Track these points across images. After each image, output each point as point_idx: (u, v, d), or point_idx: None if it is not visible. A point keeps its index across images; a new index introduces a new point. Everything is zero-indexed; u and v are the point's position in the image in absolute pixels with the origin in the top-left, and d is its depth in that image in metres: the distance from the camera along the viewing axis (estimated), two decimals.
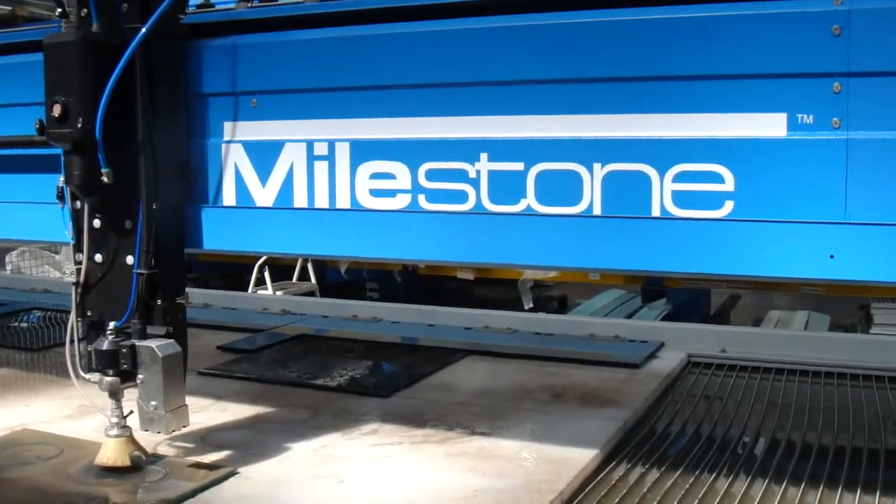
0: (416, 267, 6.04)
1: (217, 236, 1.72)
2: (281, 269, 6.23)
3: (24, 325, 3.33)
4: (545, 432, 2.04)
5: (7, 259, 6.69)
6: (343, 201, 1.60)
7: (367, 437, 2.02)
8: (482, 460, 1.87)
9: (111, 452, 1.77)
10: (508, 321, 3.09)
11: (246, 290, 5.63)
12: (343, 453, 1.93)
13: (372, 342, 2.94)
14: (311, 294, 5.69)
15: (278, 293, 5.40)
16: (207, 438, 2.02)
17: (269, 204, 1.66)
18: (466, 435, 2.02)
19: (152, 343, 1.70)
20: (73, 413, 2.13)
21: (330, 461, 1.88)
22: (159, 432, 1.73)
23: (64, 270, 1.71)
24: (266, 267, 5.85)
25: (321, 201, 1.62)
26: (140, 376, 1.71)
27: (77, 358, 1.78)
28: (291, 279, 6.16)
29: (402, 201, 1.56)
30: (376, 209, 1.58)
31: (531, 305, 6.19)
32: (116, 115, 1.64)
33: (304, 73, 1.62)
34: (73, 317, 1.78)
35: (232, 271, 6.43)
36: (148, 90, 1.67)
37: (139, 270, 1.69)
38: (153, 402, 1.70)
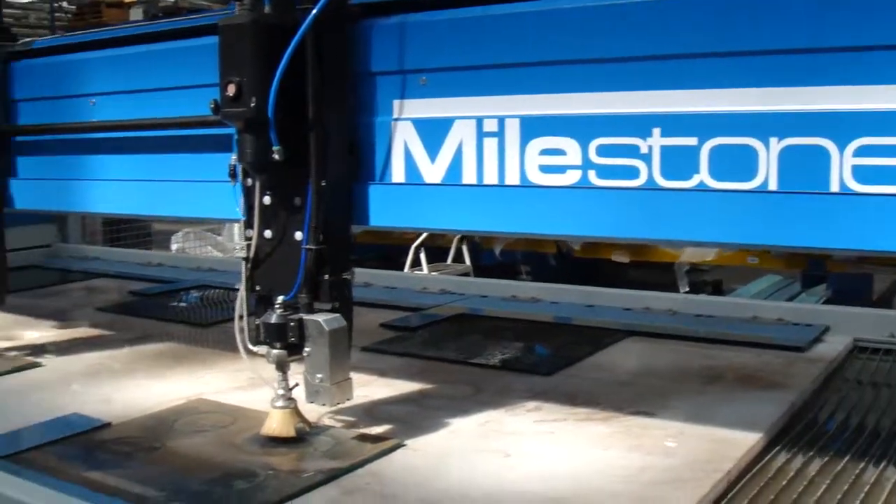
0: (571, 249, 6.00)
1: (384, 213, 1.73)
2: (436, 251, 6.28)
3: (190, 302, 3.46)
4: (707, 413, 1.99)
5: (172, 240, 6.98)
6: (512, 178, 1.58)
7: (531, 414, 2.02)
8: (645, 438, 1.85)
9: (277, 423, 1.81)
10: (669, 303, 3.02)
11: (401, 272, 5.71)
12: (508, 429, 1.93)
13: (531, 322, 2.92)
14: (465, 276, 5.71)
15: (433, 275, 5.43)
16: (373, 412, 2.05)
17: (438, 181, 1.66)
18: (629, 414, 1.99)
19: (319, 317, 1.73)
20: (243, 385, 2.20)
21: (495, 436, 1.89)
22: (324, 404, 1.77)
23: (234, 247, 1.76)
24: (422, 249, 5.91)
25: (490, 178, 1.60)
26: (306, 349, 1.74)
27: (245, 331, 1.82)
28: (446, 261, 6.20)
29: (572, 177, 1.53)
30: (546, 185, 1.55)
31: (687, 289, 6.07)
32: (287, 94, 1.67)
33: (474, 49, 1.61)
34: (242, 291, 1.82)
35: (387, 254, 6.51)
36: (318, 70, 1.69)
37: (308, 246, 1.72)
38: (319, 375, 1.73)
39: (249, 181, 1.79)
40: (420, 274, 4.25)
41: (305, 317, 1.74)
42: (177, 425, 2.00)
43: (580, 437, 1.87)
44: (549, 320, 2.94)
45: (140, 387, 2.33)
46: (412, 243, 6.05)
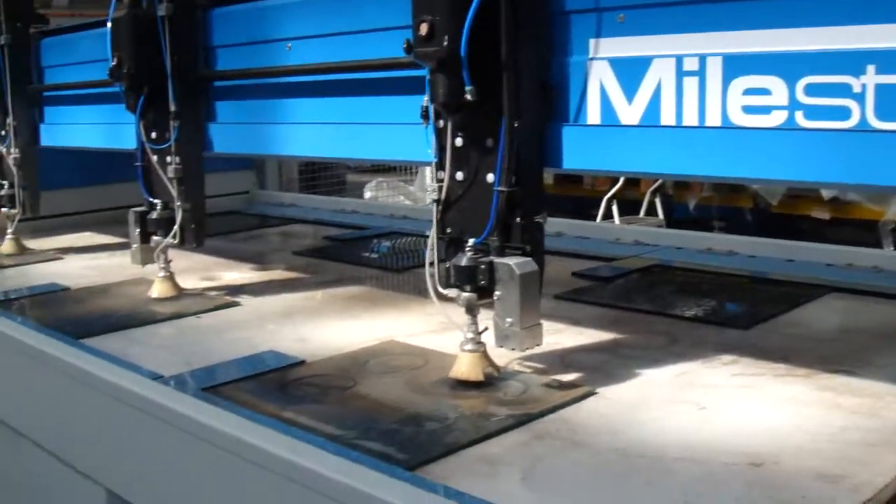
0: (768, 204, 5.77)
1: (578, 155, 1.68)
2: (628, 203, 6.17)
3: (383, 248, 3.52)
4: None
5: (366, 189, 7.11)
6: (713, 119, 1.50)
7: (728, 367, 1.95)
8: (848, 397, 1.75)
9: (465, 367, 1.80)
10: (873, 259, 2.85)
11: None
12: (704, 381, 1.87)
13: (728, 275, 2.81)
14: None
15: (626, 226, 5.34)
16: (565, 359, 2.02)
17: (635, 122, 1.59)
18: (830, 371, 1.89)
19: (510, 260, 1.70)
20: (435, 328, 2.20)
21: (690, 388, 1.83)
22: (513, 349, 1.74)
23: (426, 189, 1.76)
24: (614, 201, 5.82)
25: (690, 119, 1.53)
26: (497, 293, 1.72)
27: (436, 274, 1.82)
28: (639, 214, 6.09)
29: (777, 118, 1.44)
30: (749, 127, 1.46)
31: (892, 249, 5.75)
32: (480, 33, 1.64)
33: None
34: (433, 233, 1.82)
35: (578, 207, 6.44)
36: (511, 8, 1.65)
37: (500, 188, 1.69)
38: (509, 319, 1.71)
39: (441, 122, 1.78)
40: (613, 224, 4.16)
41: (496, 260, 1.72)
42: (369, 365, 2.03)
43: (779, 393, 1.79)
44: (747, 274, 2.82)
45: (333, 327, 2.38)
46: (604, 195, 5.96)
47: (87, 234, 4.01)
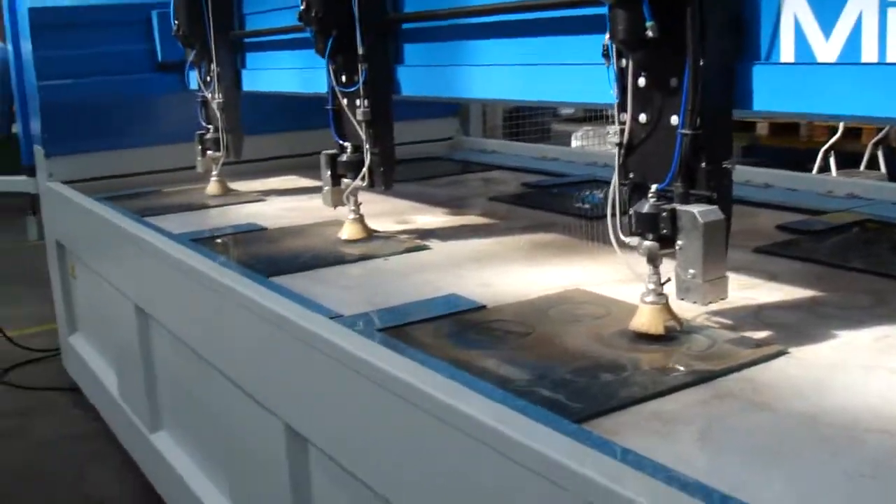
0: None
1: (770, 96, 1.55)
2: (848, 156, 5.81)
3: (582, 195, 3.44)
4: None
5: (573, 138, 7.00)
6: None
7: None
8: None
9: (645, 318, 1.72)
10: None
11: None
12: None
13: None
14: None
15: (841, 178, 5.03)
16: (759, 315, 1.91)
17: (833, 59, 1.45)
18: None
19: (693, 208, 1.60)
20: (623, 278, 2.11)
21: (892, 353, 1.68)
22: (695, 302, 1.64)
23: (608, 131, 1.69)
24: (832, 153, 5.49)
25: (894, 54, 1.38)
26: (679, 242, 1.62)
27: (618, 221, 1.74)
28: (859, 167, 5.72)
29: None
30: None
31: None
32: None
33: None
34: (615, 179, 1.74)
35: (793, 158, 6.12)
36: None
37: (683, 131, 1.59)
38: (691, 271, 1.61)
39: (623, 62, 1.68)
40: (825, 176, 3.90)
41: (679, 207, 1.62)
42: (550, 312, 1.99)
43: None
44: None
45: (520, 274, 2.34)
46: (821, 147, 5.63)
47: (291, 177, 4.12)
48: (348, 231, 2.72)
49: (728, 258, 2.35)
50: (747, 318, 1.88)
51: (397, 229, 2.93)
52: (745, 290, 2.09)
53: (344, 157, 2.67)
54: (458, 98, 2.30)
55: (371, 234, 2.74)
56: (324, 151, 2.73)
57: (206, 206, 3.59)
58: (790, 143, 6.13)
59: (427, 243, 2.70)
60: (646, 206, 1.66)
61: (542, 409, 1.46)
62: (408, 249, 2.63)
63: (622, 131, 1.70)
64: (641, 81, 1.66)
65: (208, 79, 3.64)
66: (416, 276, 2.36)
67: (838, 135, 5.63)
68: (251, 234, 3.03)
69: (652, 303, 1.71)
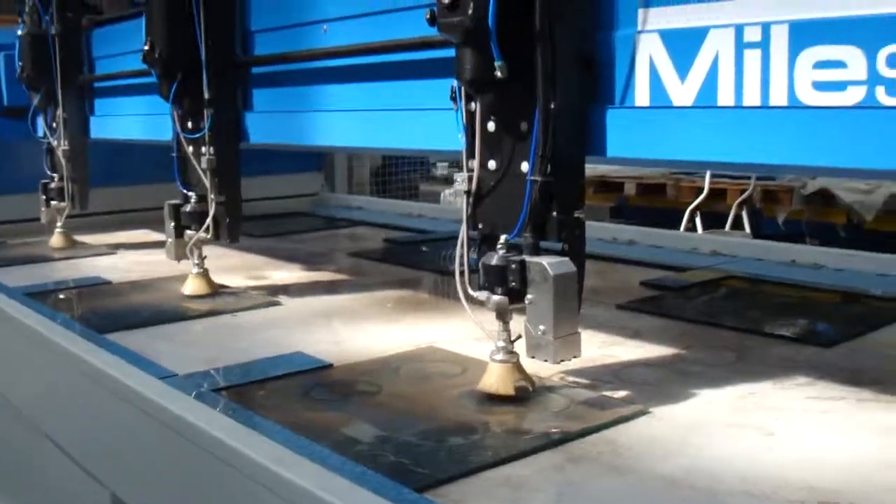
0: (863, 219, 5.42)
1: (624, 141, 1.47)
2: (713, 216, 5.89)
3: (443, 251, 3.34)
4: None
5: (442, 195, 6.95)
6: (778, 97, 1.28)
7: (802, 389, 1.71)
8: None
9: (494, 378, 1.61)
10: None
11: None
12: (772, 403, 1.64)
13: (811, 288, 2.56)
14: None
15: (705, 235, 5.08)
16: (619, 374, 1.82)
17: (689, 103, 1.38)
18: None
19: (544, 260, 1.50)
20: (481, 336, 2.01)
21: (756, 411, 1.61)
22: (546, 360, 1.53)
23: (455, 178, 1.61)
24: (698, 213, 5.56)
25: (751, 98, 1.31)
26: (529, 296, 1.52)
27: (466, 275, 1.63)
28: (723, 228, 5.80)
29: (854, 95, 1.21)
30: (821, 106, 1.24)
31: None
32: (511, 2, 1.46)
33: None
34: (463, 229, 1.63)
35: (660, 219, 6.18)
36: None
37: (533, 177, 1.49)
38: (542, 327, 1.51)
39: (473, 105, 1.59)
40: (689, 234, 3.91)
41: (528, 259, 1.52)
42: (401, 371, 1.87)
43: (860, 423, 1.55)
44: (833, 288, 2.56)
45: (373, 331, 2.22)
46: (687, 207, 5.70)
47: (145, 231, 3.93)
48: (192, 286, 2.56)
49: (590, 315, 2.30)
50: (607, 377, 1.80)
51: (249, 284, 2.78)
52: (607, 347, 2.01)
53: (188, 208, 2.51)
54: (305, 146, 2.18)
55: (217, 290, 2.59)
56: (167, 202, 2.57)
57: (50, 259, 3.38)
58: (657, 204, 6.19)
59: (278, 299, 2.56)
60: (494, 259, 1.55)
61: (383, 477, 1.32)
62: (257, 305, 2.49)
63: (470, 179, 1.60)
64: (491, 126, 1.57)
65: (54, 125, 3.44)
66: (264, 333, 2.22)
67: (704, 195, 5.71)
68: (93, 287, 2.84)
69: (501, 361, 1.60)
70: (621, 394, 1.69)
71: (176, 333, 2.25)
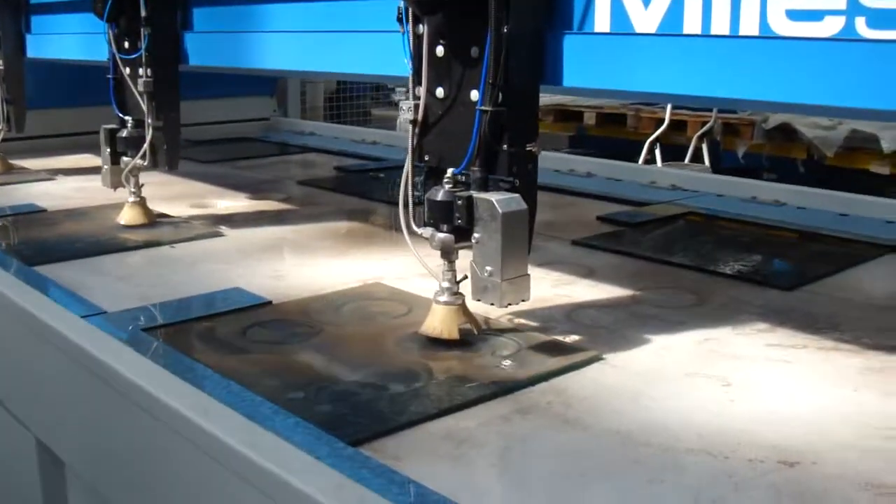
0: (823, 155, 5.35)
1: (582, 70, 1.36)
2: (673, 148, 5.80)
3: (395, 180, 3.23)
4: None
5: (398, 124, 6.80)
6: (749, 26, 1.18)
7: (762, 336, 1.63)
8: None
9: (438, 321, 1.51)
10: None
11: None
12: (731, 351, 1.56)
13: (772, 227, 2.48)
14: None
15: (664, 168, 4.99)
16: (572, 316, 1.74)
17: (652, 30, 1.28)
18: (889, 349, 1.56)
19: (492, 196, 1.39)
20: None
21: (715, 359, 1.53)
22: (492, 304, 1.44)
23: (401, 106, 1.51)
24: (657, 145, 5.47)
25: (720, 26, 1.21)
26: (475, 235, 1.42)
27: (410, 210, 1.53)
28: (683, 160, 5.72)
29: (832, 26, 1.11)
30: (795, 37, 1.14)
31: None
32: None
33: None
34: (408, 161, 1.53)
35: (620, 151, 6.09)
36: None
37: (483, 107, 1.38)
38: (488, 268, 1.41)
39: (421, 28, 1.47)
40: (648, 167, 3.81)
41: (476, 195, 1.41)
42: (343, 310, 1.77)
43: (823, 372, 1.48)
44: (794, 227, 2.48)
45: (317, 265, 2.13)
46: (646, 138, 5.60)
47: (88, 156, 3.77)
48: (128, 215, 2.44)
49: (544, 251, 2.21)
50: (560, 319, 1.72)
51: (192, 214, 2.67)
52: (560, 286, 1.93)
53: (124, 133, 2.38)
54: (246, 69, 2.05)
55: (154, 219, 2.46)
56: (103, 126, 2.43)
57: None
58: (617, 135, 6.08)
59: (221, 230, 2.45)
60: (440, 194, 1.45)
61: (316, 429, 1.23)
62: (198, 236, 2.38)
63: (416, 107, 1.48)
64: (439, 50, 1.45)
65: None
66: (202, 267, 2.11)
67: (664, 126, 5.62)
68: (27, 216, 2.71)
69: (446, 303, 1.51)
70: (573, 338, 1.61)
71: (110, 266, 2.14)
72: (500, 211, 1.37)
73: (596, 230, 2.45)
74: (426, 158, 1.51)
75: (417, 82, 1.48)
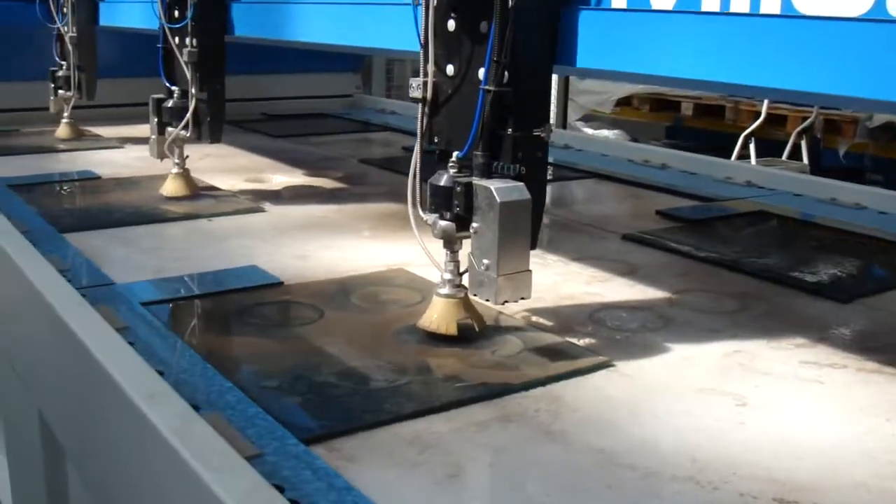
0: None
1: (597, 50, 1.24)
2: (771, 144, 5.56)
3: None
4: None
5: None
6: (771, 4, 1.05)
7: (799, 351, 1.48)
8: None
9: (437, 315, 1.41)
10: None
11: None
12: (760, 366, 1.42)
13: (846, 231, 2.30)
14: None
15: (742, 163, 4.75)
16: (595, 316, 1.62)
17: (669, 6, 1.15)
18: None
19: (492, 184, 1.28)
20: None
21: (738, 374, 1.39)
22: (487, 300, 1.33)
23: (410, 84, 1.43)
24: (752, 139, 5.24)
25: (740, 4, 1.08)
26: (474, 225, 1.31)
27: (418, 194, 1.43)
28: (781, 156, 5.47)
29: (861, 5, 0.98)
30: (822, 16, 1.01)
31: None
32: None
33: None
34: (417, 142, 1.43)
35: (717, 143, 5.86)
36: None
37: (486, 86, 1.27)
38: (485, 261, 1.30)
39: (434, 1, 1.36)
40: (727, 161, 3.63)
41: (476, 181, 1.31)
42: (353, 296, 1.69)
43: (855, 397, 1.33)
44: (869, 233, 2.29)
45: (348, 247, 2.05)
46: (744, 132, 5.37)
47: None
48: (169, 187, 2.39)
49: (589, 246, 2.09)
50: (581, 320, 1.60)
51: (243, 188, 2.62)
52: (593, 283, 1.81)
53: (170, 103, 2.33)
54: (285, 41, 1.97)
55: (197, 191, 2.41)
56: (152, 96, 2.39)
57: (53, 150, 3.24)
58: (715, 127, 5.86)
59: (264, 205, 2.39)
60: (443, 178, 1.34)
61: (273, 423, 1.15)
62: (238, 211, 2.32)
63: (425, 84, 1.38)
64: (451, 24, 1.34)
65: (64, 10, 3.26)
66: (231, 242, 2.06)
67: (760, 120, 5.37)
68: (80, 182, 2.71)
69: (446, 296, 1.40)
70: (591, 340, 1.49)
71: (139, 237, 2.10)
72: (498, 200, 1.26)
73: (652, 225, 2.32)
74: (436, 140, 1.41)
75: (427, 58, 1.38)
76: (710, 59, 1.12)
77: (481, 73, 1.30)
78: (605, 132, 6.44)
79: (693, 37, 1.13)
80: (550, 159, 3.22)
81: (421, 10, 1.37)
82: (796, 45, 1.03)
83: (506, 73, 1.26)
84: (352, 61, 4.56)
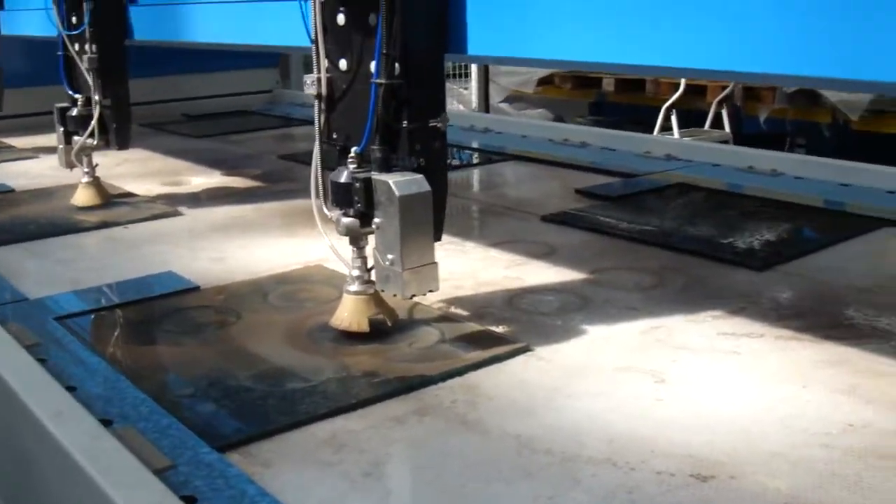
0: (848, 119, 5.12)
1: (488, 36, 1.23)
2: (692, 114, 5.61)
3: None
4: None
5: None
6: None
7: (716, 323, 1.50)
8: (870, 378, 1.28)
9: (347, 313, 1.41)
10: None
11: None
12: (677, 340, 1.43)
13: (762, 199, 2.32)
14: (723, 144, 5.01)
15: (659, 137, 4.79)
16: (513, 301, 1.63)
17: None
18: (856, 336, 1.42)
19: (390, 178, 1.28)
20: None
21: (656, 350, 1.40)
22: (395, 294, 1.33)
23: (304, 80, 1.42)
24: (673, 111, 5.28)
25: None
26: (376, 220, 1.31)
27: (321, 191, 1.42)
28: (703, 126, 5.52)
29: None
30: None
31: None
32: None
33: None
34: (317, 140, 1.41)
35: (639, 117, 5.89)
36: None
37: (378, 80, 1.27)
38: (389, 256, 1.30)
39: None
40: (645, 136, 3.65)
41: (375, 176, 1.30)
42: (270, 296, 1.68)
43: (772, 365, 1.34)
44: (786, 199, 2.32)
45: (265, 246, 2.04)
46: (662, 105, 5.41)
47: None
48: (81, 197, 2.36)
49: (508, 229, 2.10)
50: (499, 305, 1.60)
51: (160, 192, 2.58)
52: (512, 268, 1.82)
53: (73, 112, 2.29)
54: (182, 42, 1.94)
55: (109, 199, 2.37)
56: (55, 105, 2.35)
57: None
58: (637, 101, 5.89)
59: (181, 209, 2.36)
60: (342, 175, 1.33)
61: (186, 432, 1.14)
62: (154, 216, 2.30)
63: (319, 81, 1.37)
64: (341, 19, 1.33)
65: None
66: (147, 249, 2.04)
67: (680, 92, 5.42)
68: None
69: (356, 293, 1.40)
70: (509, 327, 1.50)
71: (53, 249, 2.07)
72: (397, 194, 1.25)
73: (571, 204, 2.33)
74: (334, 136, 1.40)
75: (319, 54, 1.36)
76: (610, 42, 1.11)
77: (373, 66, 1.29)
78: (529, 111, 6.46)
79: (590, 17, 1.12)
80: (474, 144, 3.22)
81: (310, 6, 1.35)
82: (700, 19, 1.02)
83: (396, 65, 1.25)
84: (270, 56, 4.52)
